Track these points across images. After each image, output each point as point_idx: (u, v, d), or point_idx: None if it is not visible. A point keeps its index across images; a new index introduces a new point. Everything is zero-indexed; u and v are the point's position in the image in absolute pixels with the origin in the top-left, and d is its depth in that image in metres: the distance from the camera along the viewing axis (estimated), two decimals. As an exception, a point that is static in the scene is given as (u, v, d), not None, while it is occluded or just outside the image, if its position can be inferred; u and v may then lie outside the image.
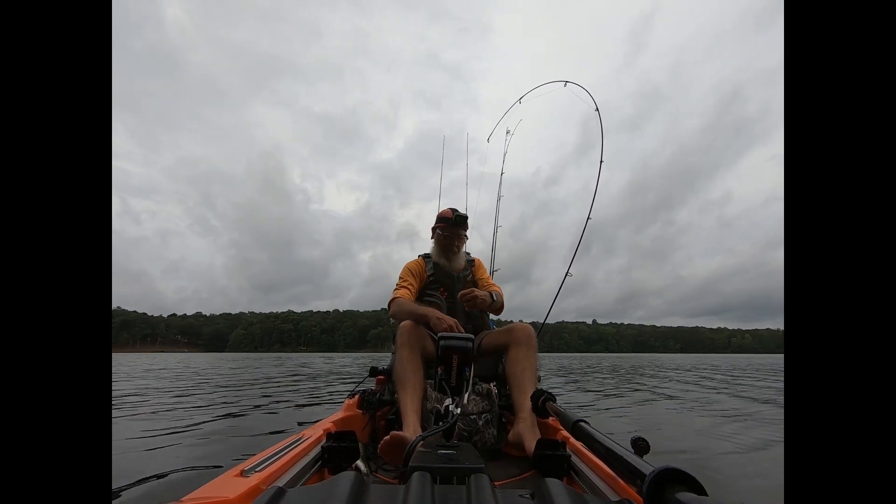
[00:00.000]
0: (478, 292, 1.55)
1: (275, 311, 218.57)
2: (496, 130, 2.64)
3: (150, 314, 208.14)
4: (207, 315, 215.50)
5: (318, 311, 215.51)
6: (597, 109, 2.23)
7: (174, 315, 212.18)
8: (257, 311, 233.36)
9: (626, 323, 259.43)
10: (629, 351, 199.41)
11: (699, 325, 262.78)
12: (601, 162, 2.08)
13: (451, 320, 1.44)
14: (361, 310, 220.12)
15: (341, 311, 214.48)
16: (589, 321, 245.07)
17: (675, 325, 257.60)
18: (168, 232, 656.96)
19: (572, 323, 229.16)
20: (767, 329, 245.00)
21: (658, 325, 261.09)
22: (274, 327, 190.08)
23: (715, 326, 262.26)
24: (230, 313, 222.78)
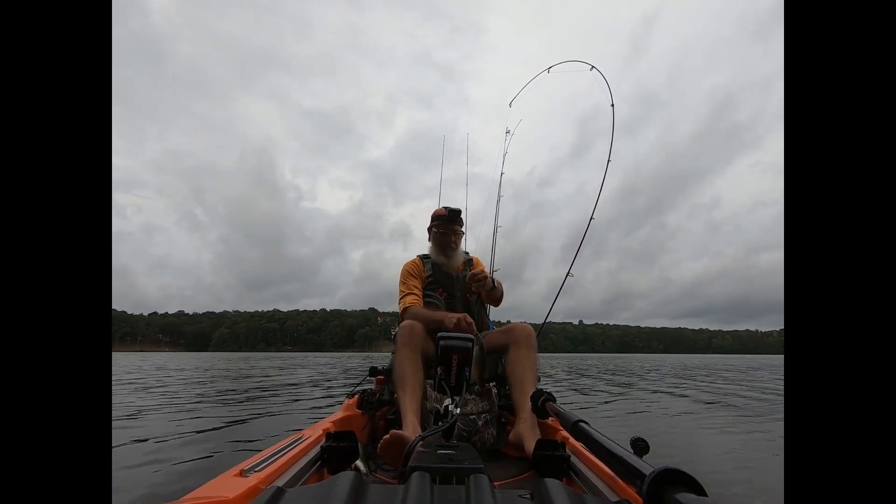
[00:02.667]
0: (487, 273, 1.63)
1: (260, 310, 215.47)
2: (520, 96, 2.52)
3: (129, 312, 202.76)
4: (190, 314, 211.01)
5: (305, 311, 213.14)
6: (612, 105, 2.15)
7: (155, 313, 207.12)
8: (243, 309, 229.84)
9: (611, 324, 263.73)
10: (614, 351, 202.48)
11: (682, 327, 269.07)
12: (608, 161, 2.04)
13: (456, 316, 1.51)
14: (349, 309, 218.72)
15: (328, 310, 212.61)
16: (575, 322, 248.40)
17: (659, 327, 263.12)
18: (154, 227, 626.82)
19: (559, 324, 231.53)
20: (747, 330, 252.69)
21: (643, 325, 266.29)
22: (259, 326, 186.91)
23: (697, 328, 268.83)
24: (214, 312, 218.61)
